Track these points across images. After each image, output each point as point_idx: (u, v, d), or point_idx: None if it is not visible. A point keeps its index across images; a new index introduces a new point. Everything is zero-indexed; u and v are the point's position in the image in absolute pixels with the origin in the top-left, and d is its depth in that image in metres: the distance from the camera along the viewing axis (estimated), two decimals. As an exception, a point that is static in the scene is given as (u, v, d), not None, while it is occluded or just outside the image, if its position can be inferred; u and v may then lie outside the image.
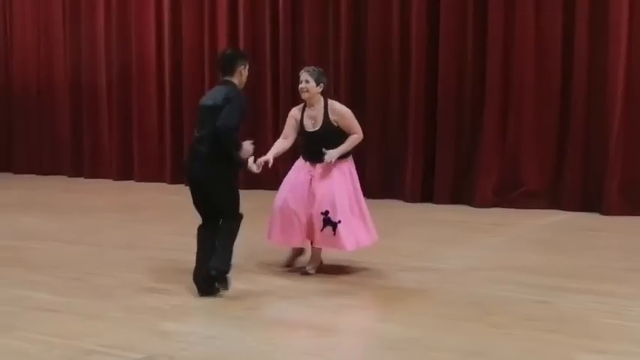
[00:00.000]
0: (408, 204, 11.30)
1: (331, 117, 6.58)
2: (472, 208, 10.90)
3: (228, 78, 5.94)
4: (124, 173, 14.21)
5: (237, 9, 12.83)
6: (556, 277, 6.96)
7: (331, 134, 6.54)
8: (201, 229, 6.05)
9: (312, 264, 6.79)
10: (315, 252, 6.82)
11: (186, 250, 6.71)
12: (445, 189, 11.34)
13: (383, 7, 11.62)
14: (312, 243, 6.81)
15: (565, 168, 10.79)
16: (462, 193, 11.32)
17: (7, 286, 6.73)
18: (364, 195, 6.99)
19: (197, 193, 5.99)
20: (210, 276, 5.85)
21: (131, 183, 13.94)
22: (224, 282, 5.90)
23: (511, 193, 11.06)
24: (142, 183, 13.86)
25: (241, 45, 12.60)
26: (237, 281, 6.46)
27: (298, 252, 7.08)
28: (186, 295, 6.10)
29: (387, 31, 11.71)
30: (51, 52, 15.02)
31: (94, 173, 14.54)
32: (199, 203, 6.04)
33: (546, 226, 9.75)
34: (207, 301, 5.89)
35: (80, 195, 12.79)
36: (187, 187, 6.18)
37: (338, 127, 6.59)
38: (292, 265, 7.05)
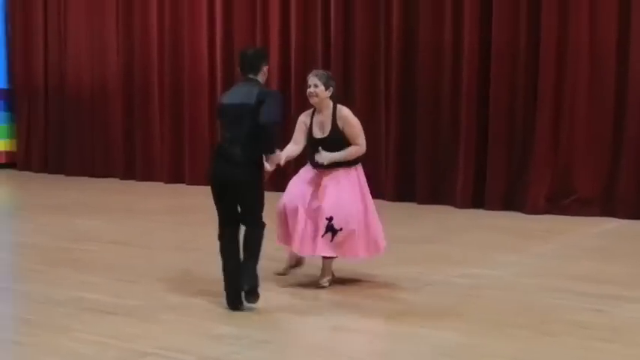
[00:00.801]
0: (459, 210, 11.23)
1: (338, 123, 6.42)
2: (524, 215, 10.78)
3: (252, 76, 5.74)
4: (175, 176, 14.32)
5: (288, 17, 12.90)
6: (611, 285, 6.88)
7: (339, 142, 6.37)
8: (224, 239, 5.83)
9: (325, 277, 6.60)
10: (325, 264, 6.63)
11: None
12: (496, 195, 11.27)
13: (435, 13, 11.61)
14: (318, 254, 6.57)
15: (619, 175, 10.63)
16: (513, 200, 11.24)
17: (62, 288, 6.81)
18: (374, 197, 6.87)
19: (227, 196, 5.75)
20: (244, 292, 5.70)
21: (182, 186, 14.04)
22: (255, 295, 5.71)
23: (563, 200, 10.91)
24: (193, 186, 13.93)
25: (292, 54, 12.72)
26: (280, 286, 6.50)
27: (296, 260, 6.87)
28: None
29: (439, 38, 11.69)
30: (104, 55, 15.18)
31: (146, 176, 14.65)
32: (227, 207, 5.80)
33: (600, 234, 9.62)
34: (259, 305, 5.87)
35: (132, 197, 12.91)
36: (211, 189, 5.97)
37: (344, 135, 6.43)
38: (286, 274, 6.85)
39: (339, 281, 6.59)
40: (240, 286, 5.67)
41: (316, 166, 6.42)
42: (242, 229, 5.91)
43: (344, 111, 6.47)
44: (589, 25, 10.85)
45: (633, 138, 10.67)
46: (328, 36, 12.53)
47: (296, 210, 6.43)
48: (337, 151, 6.34)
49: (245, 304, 5.69)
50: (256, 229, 5.81)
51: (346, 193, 6.42)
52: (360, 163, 6.68)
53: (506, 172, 11.43)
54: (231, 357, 4.84)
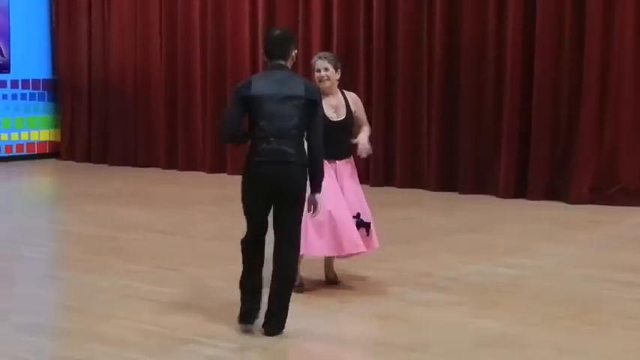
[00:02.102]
0: (501, 200, 11.25)
1: (352, 106, 6.29)
2: (567, 205, 10.77)
3: (282, 62, 5.02)
4: (217, 166, 14.48)
5: (331, 6, 12.98)
6: None
7: (351, 125, 6.27)
8: (253, 252, 5.12)
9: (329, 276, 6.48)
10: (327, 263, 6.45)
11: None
12: (539, 185, 11.27)
13: (478, 3, 11.62)
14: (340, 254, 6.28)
15: None
16: (556, 189, 11.22)
17: (106, 275, 6.98)
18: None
19: (271, 202, 4.99)
20: (269, 325, 4.98)
21: (224, 176, 14.15)
22: (280, 330, 5.02)
23: (608, 189, 10.84)
24: (234, 176, 13.84)
25: (334, 47, 12.73)
26: (317, 275, 6.48)
27: (334, 275, 6.54)
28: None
29: (483, 28, 11.70)
30: (147, 46, 15.36)
31: (188, 166, 14.79)
32: (264, 215, 5.06)
33: None
34: (301, 295, 5.90)
35: (175, 187, 13.06)
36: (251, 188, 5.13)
37: (356, 117, 6.33)
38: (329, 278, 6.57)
39: (381, 269, 6.62)
40: (256, 311, 5.07)
41: (336, 155, 6.09)
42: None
43: (352, 95, 6.40)
44: (634, 11, 10.77)
45: None
46: (371, 28, 12.58)
47: (342, 213, 6.13)
48: (350, 135, 6.24)
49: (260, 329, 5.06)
50: (294, 250, 5.09)
51: (357, 184, 6.39)
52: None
53: (550, 162, 11.43)
54: (272, 345, 4.92)
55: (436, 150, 11.91)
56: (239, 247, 5.55)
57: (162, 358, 4.90)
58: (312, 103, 4.90)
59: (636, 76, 10.75)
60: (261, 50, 13.27)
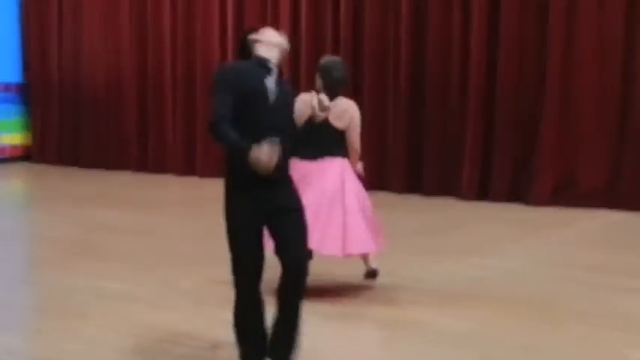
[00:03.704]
0: (464, 202, 11.34)
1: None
2: (529, 207, 10.88)
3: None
4: (187, 169, 14.45)
5: (299, 9, 12.99)
6: (615, 276, 6.99)
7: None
8: (253, 309, 4.14)
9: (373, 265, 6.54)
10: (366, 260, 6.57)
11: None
12: (502, 187, 11.35)
13: (443, 6, 11.68)
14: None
15: (623, 167, 10.71)
16: (518, 192, 11.31)
17: (81, 277, 6.97)
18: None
19: (267, 223, 4.04)
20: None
21: (194, 178, 14.14)
22: None
23: (568, 191, 10.97)
24: (205, 179, 13.96)
25: (302, 52, 12.75)
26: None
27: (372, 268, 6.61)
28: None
29: (447, 31, 11.77)
30: (118, 49, 15.29)
31: (158, 168, 14.75)
32: (259, 249, 4.03)
33: (605, 225, 9.73)
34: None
35: (146, 189, 13.06)
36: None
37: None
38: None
39: (345, 271, 6.63)
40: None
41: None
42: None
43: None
44: (596, 17, 10.84)
45: (638, 130, 10.69)
46: (338, 31, 12.60)
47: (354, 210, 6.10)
48: (337, 140, 6.17)
49: None
50: (304, 275, 4.08)
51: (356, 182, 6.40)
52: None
53: (512, 164, 11.50)
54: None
55: (401, 152, 11.95)
56: (211, 248, 5.57)
57: (136, 358, 4.92)
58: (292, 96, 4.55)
59: (597, 80, 10.82)
60: (230, 55, 13.47)
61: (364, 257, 6.48)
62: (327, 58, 6.56)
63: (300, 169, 5.69)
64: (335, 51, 12.48)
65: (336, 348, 5.21)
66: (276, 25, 12.58)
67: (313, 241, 5.49)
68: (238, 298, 4.15)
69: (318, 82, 6.23)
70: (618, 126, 10.94)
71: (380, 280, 6.61)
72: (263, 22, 13.10)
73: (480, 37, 11.53)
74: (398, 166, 12.08)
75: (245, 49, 4.33)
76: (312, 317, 5.56)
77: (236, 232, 4.02)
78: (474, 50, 11.56)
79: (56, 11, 15.84)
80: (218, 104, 4.07)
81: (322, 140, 6.00)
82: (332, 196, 6.09)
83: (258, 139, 3.79)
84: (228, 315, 4.95)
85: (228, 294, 5.21)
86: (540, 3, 11.03)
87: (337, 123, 6.10)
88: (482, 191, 11.66)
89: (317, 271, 6.57)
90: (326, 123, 5.99)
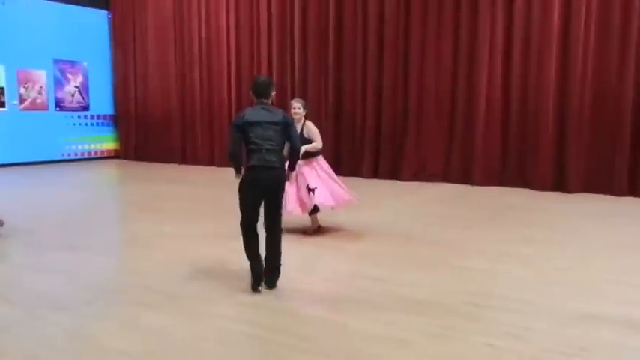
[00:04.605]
0: (366, 179, 11.43)
1: (304, 131, 6.27)
2: (400, 182, 11.09)
3: (265, 100, 4.64)
4: (209, 161, 14.53)
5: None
6: (451, 221, 7.15)
7: (307, 142, 6.26)
8: (252, 235, 4.62)
9: (311, 227, 6.54)
10: (313, 219, 6.48)
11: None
12: (386, 168, 11.75)
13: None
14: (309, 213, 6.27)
15: (453, 153, 10.98)
16: (394, 173, 11.64)
17: (148, 223, 6.97)
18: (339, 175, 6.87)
19: (267, 196, 4.55)
20: (278, 270, 4.67)
21: (213, 168, 13.96)
22: (278, 274, 4.66)
23: (420, 173, 11.46)
24: (221, 167, 13.76)
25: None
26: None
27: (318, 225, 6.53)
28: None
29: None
30: (168, 90, 15.27)
31: (192, 162, 14.88)
32: (257, 208, 4.57)
33: (442, 192, 9.80)
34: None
35: (185, 174, 12.64)
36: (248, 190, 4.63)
37: (308, 138, 6.26)
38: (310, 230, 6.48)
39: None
40: (276, 266, 4.67)
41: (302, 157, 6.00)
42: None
43: (309, 124, 6.31)
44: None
45: (460, 127, 10.79)
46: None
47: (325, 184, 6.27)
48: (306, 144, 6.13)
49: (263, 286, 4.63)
50: (280, 231, 4.68)
51: (307, 174, 6.33)
52: (320, 155, 6.51)
53: (392, 151, 11.45)
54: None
55: (331, 145, 11.90)
56: (222, 206, 5.73)
57: (183, 273, 4.95)
58: (287, 125, 4.57)
59: (435, 90, 11.02)
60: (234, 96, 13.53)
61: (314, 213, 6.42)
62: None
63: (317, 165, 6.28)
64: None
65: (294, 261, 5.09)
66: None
67: (322, 198, 6.16)
68: (243, 233, 4.58)
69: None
70: (448, 127, 10.91)
71: (330, 230, 6.63)
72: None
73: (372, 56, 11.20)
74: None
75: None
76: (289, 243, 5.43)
77: (245, 196, 4.52)
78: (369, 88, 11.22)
79: (132, 61, 15.93)
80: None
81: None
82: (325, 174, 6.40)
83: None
84: (234, 244, 5.06)
85: (234, 232, 4.98)
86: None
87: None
88: (376, 172, 11.69)
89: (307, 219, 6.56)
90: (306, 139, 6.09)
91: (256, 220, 4.49)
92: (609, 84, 9.69)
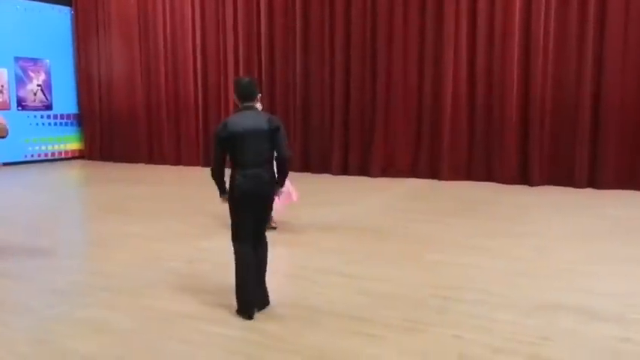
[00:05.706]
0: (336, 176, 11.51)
1: None
2: (370, 178, 11.22)
3: (250, 104, 4.24)
4: (176, 161, 14.33)
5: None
6: (418, 214, 7.28)
7: None
8: (248, 253, 4.21)
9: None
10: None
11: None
12: (355, 164, 11.80)
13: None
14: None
15: (421, 149, 11.10)
16: (365, 169, 11.70)
17: (114, 225, 6.92)
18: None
19: (256, 211, 4.21)
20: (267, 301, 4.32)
21: (180, 167, 13.72)
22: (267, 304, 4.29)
23: (390, 167, 11.52)
24: (188, 167, 13.65)
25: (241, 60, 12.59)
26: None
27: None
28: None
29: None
30: (133, 88, 15.04)
31: (159, 162, 14.65)
32: (249, 221, 4.22)
33: (411, 187, 9.95)
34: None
35: (152, 174, 12.59)
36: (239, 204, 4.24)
37: None
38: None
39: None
40: (257, 302, 4.24)
41: None
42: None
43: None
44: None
45: (427, 122, 10.91)
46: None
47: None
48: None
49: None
50: (266, 244, 4.37)
51: None
52: None
53: (361, 147, 11.50)
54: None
55: (299, 141, 12.17)
56: (189, 206, 5.67)
57: (145, 269, 5.04)
58: (275, 130, 4.15)
59: (404, 89, 11.14)
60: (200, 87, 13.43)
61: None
62: None
63: None
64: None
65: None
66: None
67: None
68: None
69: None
70: (417, 121, 11.11)
71: (291, 223, 6.78)
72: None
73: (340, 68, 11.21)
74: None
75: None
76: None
77: (239, 213, 4.20)
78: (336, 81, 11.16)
79: (96, 58, 15.71)
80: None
81: None
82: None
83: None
84: (202, 243, 5.35)
85: (201, 231, 5.47)
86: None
87: None
88: (364, 169, 11.60)
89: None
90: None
91: (249, 236, 4.17)
92: (569, 81, 10.01)
